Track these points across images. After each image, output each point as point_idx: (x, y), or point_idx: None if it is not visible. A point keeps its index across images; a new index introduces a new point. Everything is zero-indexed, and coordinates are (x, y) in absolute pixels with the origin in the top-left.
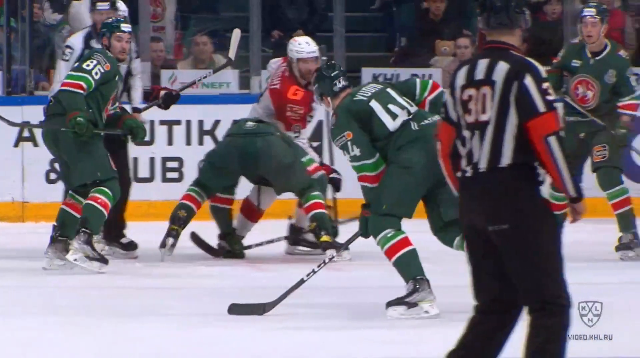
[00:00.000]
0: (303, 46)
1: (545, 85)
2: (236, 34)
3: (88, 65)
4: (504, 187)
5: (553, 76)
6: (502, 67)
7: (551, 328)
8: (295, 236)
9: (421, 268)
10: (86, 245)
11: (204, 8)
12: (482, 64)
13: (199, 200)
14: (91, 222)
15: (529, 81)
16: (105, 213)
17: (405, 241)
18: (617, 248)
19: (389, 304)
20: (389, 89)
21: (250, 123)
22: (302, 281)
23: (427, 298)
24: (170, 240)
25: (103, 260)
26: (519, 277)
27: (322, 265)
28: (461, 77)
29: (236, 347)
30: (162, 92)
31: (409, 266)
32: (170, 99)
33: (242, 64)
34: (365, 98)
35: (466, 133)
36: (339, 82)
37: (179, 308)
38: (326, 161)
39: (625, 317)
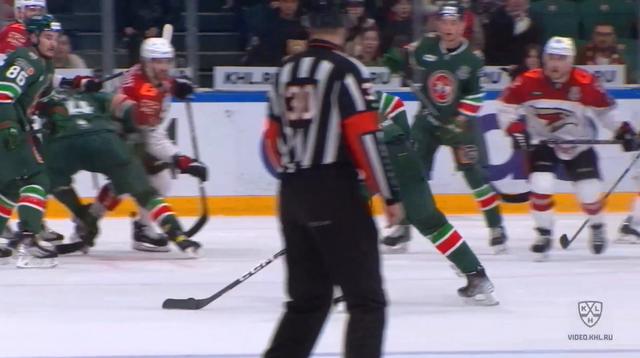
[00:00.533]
0: (158, 46)
1: (367, 85)
2: (167, 29)
3: (12, 73)
4: (326, 184)
5: (397, 54)
6: (326, 67)
7: (370, 325)
8: (138, 233)
9: None
10: (32, 246)
11: (57, 7)
12: (306, 62)
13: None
14: (30, 223)
15: (350, 80)
16: (41, 209)
17: None
18: (492, 243)
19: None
20: None
21: (82, 122)
22: (237, 282)
23: None
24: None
25: (52, 255)
26: (339, 274)
27: (259, 267)
28: (285, 75)
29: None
30: (84, 81)
31: None
32: (94, 86)
33: (94, 63)
34: None
35: (288, 131)
36: None
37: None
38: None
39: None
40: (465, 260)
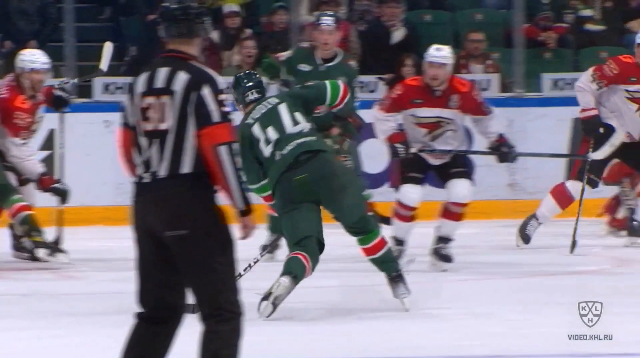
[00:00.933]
0: (37, 56)
1: (223, 96)
2: (107, 46)
3: None
4: (182, 194)
5: (273, 61)
6: (182, 78)
7: (225, 335)
8: (17, 244)
9: (294, 267)
10: None
11: None
12: (162, 72)
13: None
14: None
15: (206, 91)
16: None
17: (296, 254)
18: None
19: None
20: (282, 105)
21: None
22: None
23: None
24: None
25: None
26: (194, 283)
27: (248, 268)
28: (141, 85)
29: None
30: None
31: (286, 267)
32: None
33: None
34: (251, 121)
35: (143, 141)
36: (252, 93)
37: None
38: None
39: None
40: (385, 266)
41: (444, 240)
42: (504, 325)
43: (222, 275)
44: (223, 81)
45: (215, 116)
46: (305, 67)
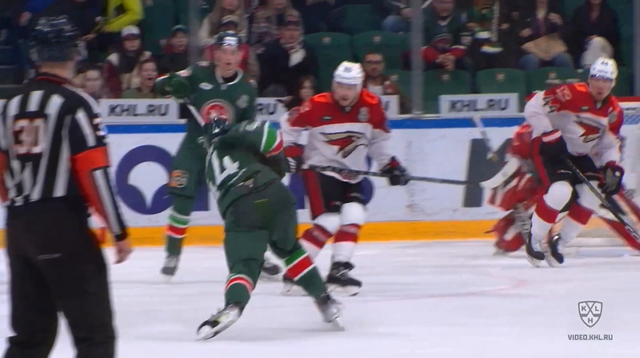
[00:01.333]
0: None
1: (97, 120)
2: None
3: None
4: (56, 217)
5: (181, 80)
6: (56, 101)
7: None
8: None
9: (241, 296)
10: None
11: None
12: (36, 96)
13: None
14: None
15: (81, 115)
16: None
17: (237, 278)
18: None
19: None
20: (213, 155)
21: None
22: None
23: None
24: None
25: None
26: (67, 307)
27: None
28: (13, 108)
29: None
30: None
31: (233, 294)
32: None
33: None
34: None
35: (16, 164)
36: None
37: None
38: None
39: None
40: (312, 287)
41: (345, 265)
42: (413, 345)
43: (95, 299)
44: (97, 105)
45: (90, 141)
46: (206, 86)
